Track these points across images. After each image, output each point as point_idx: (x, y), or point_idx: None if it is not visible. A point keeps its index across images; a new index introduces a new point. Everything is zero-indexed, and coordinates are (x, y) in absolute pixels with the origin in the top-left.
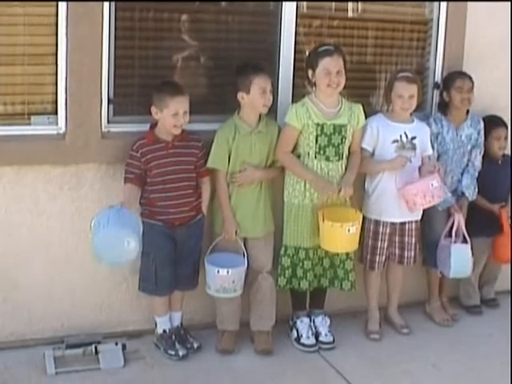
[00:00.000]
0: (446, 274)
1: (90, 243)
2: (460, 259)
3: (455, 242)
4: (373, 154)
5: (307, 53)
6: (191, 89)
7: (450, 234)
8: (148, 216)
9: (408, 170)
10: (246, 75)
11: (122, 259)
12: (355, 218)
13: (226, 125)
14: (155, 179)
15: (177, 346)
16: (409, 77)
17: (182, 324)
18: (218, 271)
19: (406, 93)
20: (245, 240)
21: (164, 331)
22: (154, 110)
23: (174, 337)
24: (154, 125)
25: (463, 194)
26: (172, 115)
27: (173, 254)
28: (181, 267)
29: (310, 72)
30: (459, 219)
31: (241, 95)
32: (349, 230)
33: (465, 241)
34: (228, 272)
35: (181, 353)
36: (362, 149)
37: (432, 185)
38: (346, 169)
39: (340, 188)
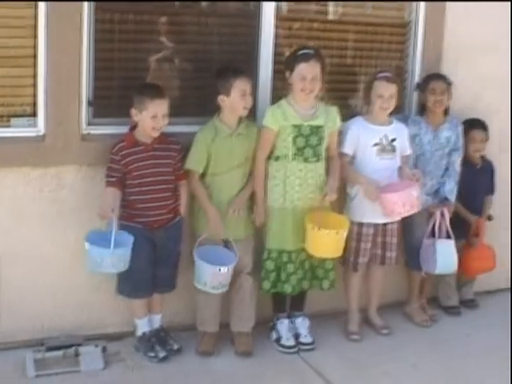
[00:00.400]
0: (432, 270)
1: (71, 245)
2: (445, 254)
3: (439, 237)
4: (353, 157)
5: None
6: (171, 91)
7: (433, 234)
8: (127, 219)
9: (388, 172)
10: (226, 78)
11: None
12: (341, 221)
13: (205, 127)
14: (134, 181)
15: (157, 348)
16: (388, 76)
17: (161, 326)
18: (220, 269)
19: (385, 92)
20: (226, 241)
21: (144, 333)
22: (133, 111)
23: (153, 339)
24: (133, 127)
25: (446, 198)
26: (151, 117)
27: (152, 256)
28: (159, 269)
29: (287, 73)
30: (442, 215)
31: (221, 98)
32: (341, 236)
33: (449, 237)
34: (228, 269)
35: (161, 355)
36: (342, 154)
37: (412, 195)
38: (324, 170)
39: (325, 194)
